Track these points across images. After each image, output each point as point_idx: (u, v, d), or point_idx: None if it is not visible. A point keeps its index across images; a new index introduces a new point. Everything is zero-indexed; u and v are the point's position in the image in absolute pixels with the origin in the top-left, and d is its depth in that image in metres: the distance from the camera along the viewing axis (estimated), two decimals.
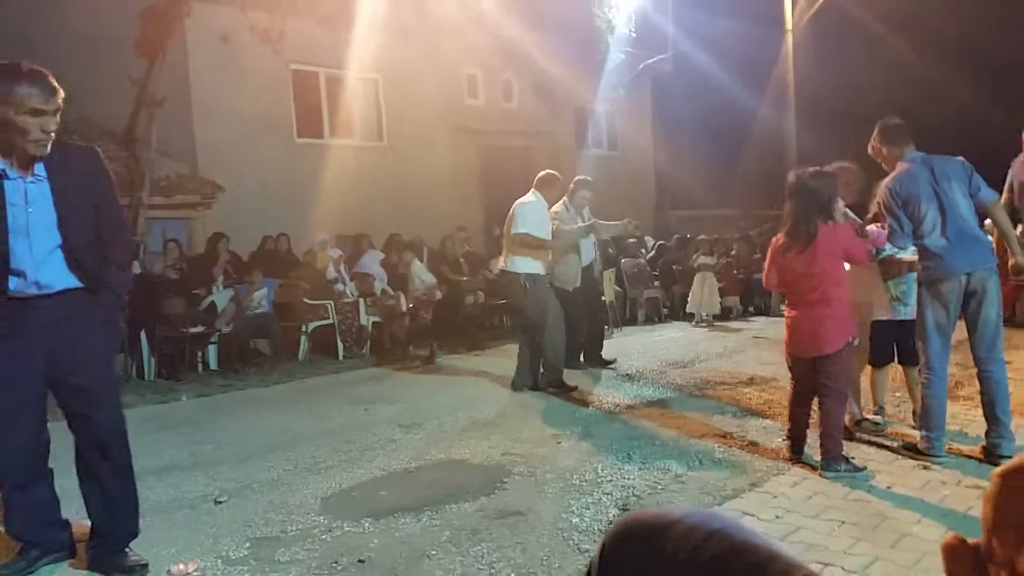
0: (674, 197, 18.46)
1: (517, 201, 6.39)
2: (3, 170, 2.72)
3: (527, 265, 6.11)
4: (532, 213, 6.20)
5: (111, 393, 3.02)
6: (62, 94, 2.75)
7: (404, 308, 9.34)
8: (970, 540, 0.64)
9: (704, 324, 10.32)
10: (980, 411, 4.07)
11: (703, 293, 10.61)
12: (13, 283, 2.72)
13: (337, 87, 12.35)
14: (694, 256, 11.19)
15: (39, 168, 2.78)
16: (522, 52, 13.70)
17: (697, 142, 18.83)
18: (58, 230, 2.78)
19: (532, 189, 6.44)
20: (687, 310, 10.81)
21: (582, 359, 7.22)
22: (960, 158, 4.05)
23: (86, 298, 2.86)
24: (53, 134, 2.72)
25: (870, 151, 4.20)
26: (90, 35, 10.54)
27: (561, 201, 6.90)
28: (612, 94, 15.40)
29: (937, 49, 17.14)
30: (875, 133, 4.15)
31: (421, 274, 9.87)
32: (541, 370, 6.29)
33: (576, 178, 7.11)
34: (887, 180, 4.05)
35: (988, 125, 15.70)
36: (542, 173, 6.56)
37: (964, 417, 4.75)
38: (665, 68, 17.05)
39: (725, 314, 11.04)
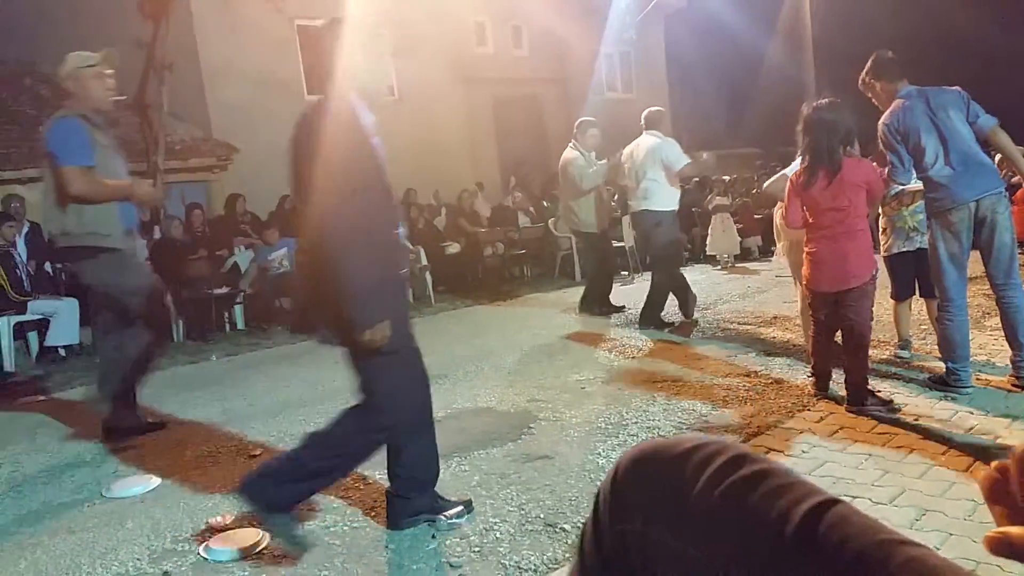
0: (692, 138, 18.17)
1: (646, 144, 6.31)
2: None
3: (669, 202, 6.27)
4: (674, 147, 6.27)
5: None
6: None
7: (424, 261, 9.37)
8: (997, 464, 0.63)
9: (726, 266, 10.26)
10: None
11: (722, 235, 10.53)
12: None
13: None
14: (709, 197, 11.07)
15: None
16: None
17: (713, 81, 18.48)
18: None
19: (648, 130, 6.37)
20: (707, 252, 10.74)
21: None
22: (956, 88, 3.96)
23: None
24: None
25: (860, 86, 4.13)
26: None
27: (571, 144, 6.93)
28: (624, 35, 15.08)
29: None
30: (867, 67, 4.07)
31: None
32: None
33: (579, 120, 7.06)
34: (884, 117, 3.98)
35: (1010, 59, 15.24)
36: (649, 112, 6.50)
37: (992, 347, 4.72)
38: (678, 4, 16.63)
39: (745, 254, 10.96)
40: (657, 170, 6.18)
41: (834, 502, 0.73)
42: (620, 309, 7.21)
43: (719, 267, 10.28)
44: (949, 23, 15.87)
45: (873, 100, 4.12)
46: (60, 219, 4.04)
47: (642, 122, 6.43)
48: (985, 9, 16.38)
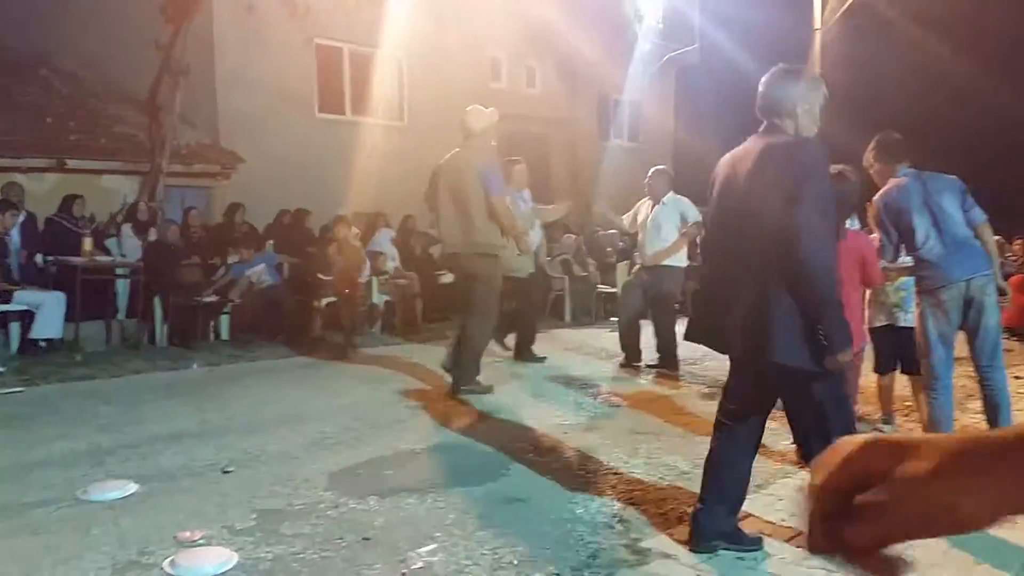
0: (693, 193, 18.36)
1: (670, 198, 6.64)
2: None
3: (681, 259, 6.73)
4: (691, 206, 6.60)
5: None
6: None
7: (417, 289, 9.35)
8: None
9: None
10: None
11: None
12: None
13: (361, 64, 12.33)
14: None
15: None
16: (547, 37, 13.62)
17: (721, 138, 18.62)
18: None
19: (669, 193, 6.65)
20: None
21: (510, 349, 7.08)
22: (954, 176, 4.04)
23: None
24: None
25: (864, 163, 4.18)
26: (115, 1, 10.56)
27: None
28: (636, 84, 15.30)
29: (968, 53, 16.88)
30: (871, 146, 4.13)
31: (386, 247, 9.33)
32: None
33: (506, 159, 6.76)
34: (878, 195, 4.06)
35: (1019, 128, 15.47)
36: (657, 170, 6.77)
37: (976, 429, 4.72)
38: (691, 61, 16.91)
39: None
40: (673, 226, 6.52)
41: None
42: (542, 359, 7.02)
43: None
44: (958, 91, 16.16)
45: (875, 179, 4.18)
46: None
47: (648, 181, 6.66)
48: (998, 76, 16.64)
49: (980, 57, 16.98)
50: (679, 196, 6.74)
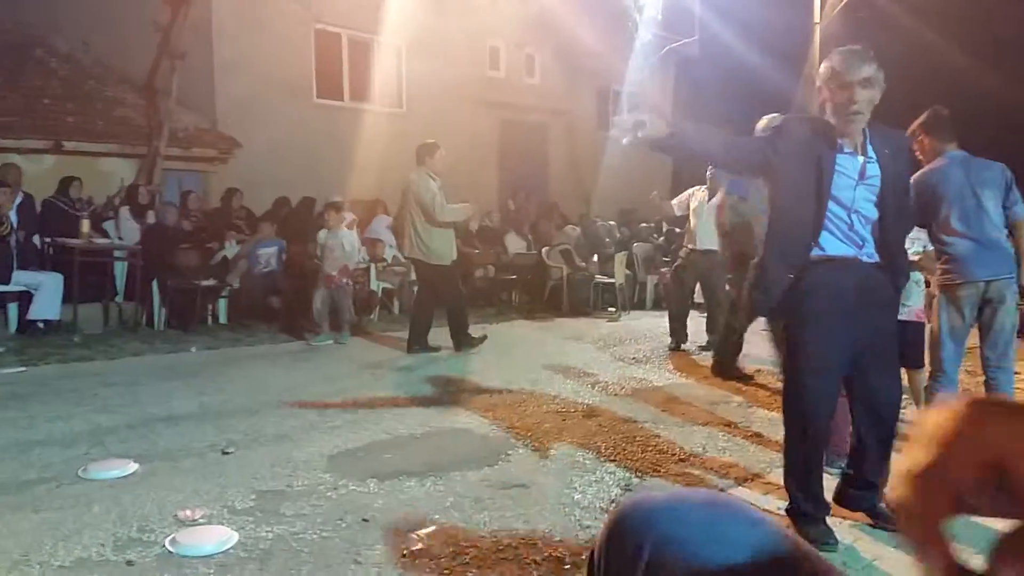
0: (691, 184, 18.37)
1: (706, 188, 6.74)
2: (840, 145, 2.84)
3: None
4: None
5: (896, 368, 3.14)
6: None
7: (414, 276, 9.34)
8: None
9: None
10: None
11: None
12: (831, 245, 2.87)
13: (359, 50, 12.28)
14: None
15: (868, 148, 2.88)
16: (547, 26, 13.57)
17: (720, 130, 18.60)
18: (876, 208, 2.88)
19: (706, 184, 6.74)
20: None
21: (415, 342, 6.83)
22: (1002, 165, 3.92)
23: (880, 274, 2.93)
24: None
25: (910, 132, 3.93)
26: None
27: (425, 172, 6.63)
28: (635, 76, 15.26)
29: (971, 48, 16.84)
30: (922, 119, 3.96)
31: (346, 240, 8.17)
32: None
33: (427, 142, 6.76)
34: (918, 173, 3.89)
35: (1021, 118, 15.44)
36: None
37: None
38: (691, 52, 16.87)
39: None
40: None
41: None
42: (483, 339, 6.93)
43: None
44: (962, 86, 16.10)
45: (917, 151, 3.94)
46: None
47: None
48: (1002, 71, 16.56)
49: (982, 48, 16.94)
50: None
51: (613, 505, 3.39)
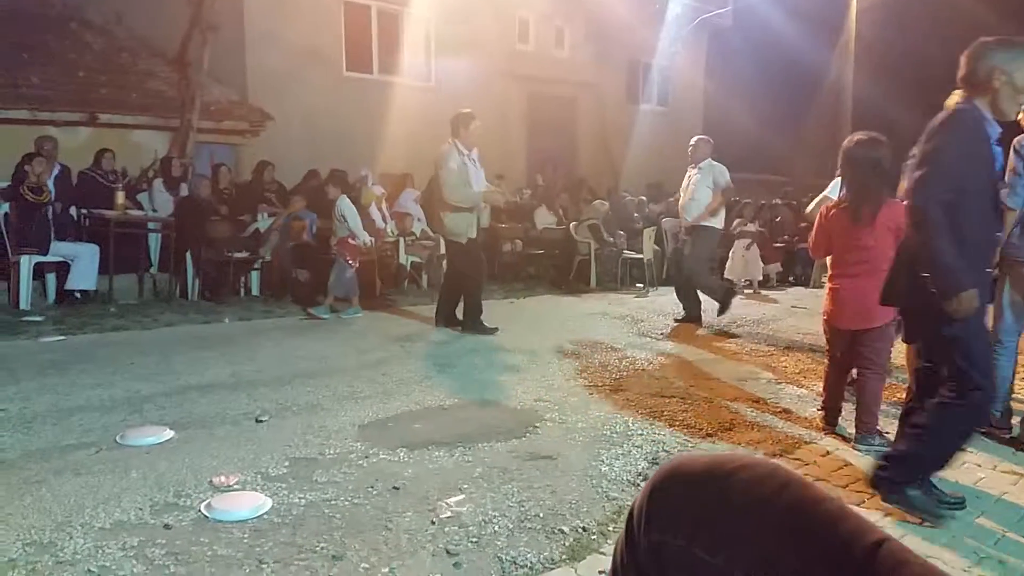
0: (727, 157, 18.15)
1: (706, 164, 7.06)
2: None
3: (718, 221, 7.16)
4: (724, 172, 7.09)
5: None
6: None
7: (443, 251, 9.37)
8: None
9: (745, 291, 10.21)
10: None
11: (743, 260, 10.48)
12: None
13: (389, 23, 12.23)
14: (736, 221, 11.01)
15: None
16: None
17: (751, 104, 18.31)
18: None
19: (707, 160, 7.08)
20: (724, 276, 10.70)
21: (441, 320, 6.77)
22: None
23: None
24: None
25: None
26: None
27: (451, 142, 6.30)
28: (666, 48, 15.04)
29: (1012, 6, 16.30)
30: None
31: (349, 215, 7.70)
32: None
33: (462, 112, 6.36)
34: (1020, 136, 3.87)
35: None
36: (700, 138, 7.26)
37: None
38: (724, 24, 16.56)
39: (762, 282, 10.93)
40: (705, 189, 7.00)
41: (890, 539, 0.74)
42: (493, 331, 6.53)
43: (739, 290, 10.25)
44: (1008, 32, 15.63)
45: (999, 105, 3.11)
46: None
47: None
48: None
49: (1020, 10, 16.39)
50: (715, 162, 7.07)
51: (653, 468, 3.41)
